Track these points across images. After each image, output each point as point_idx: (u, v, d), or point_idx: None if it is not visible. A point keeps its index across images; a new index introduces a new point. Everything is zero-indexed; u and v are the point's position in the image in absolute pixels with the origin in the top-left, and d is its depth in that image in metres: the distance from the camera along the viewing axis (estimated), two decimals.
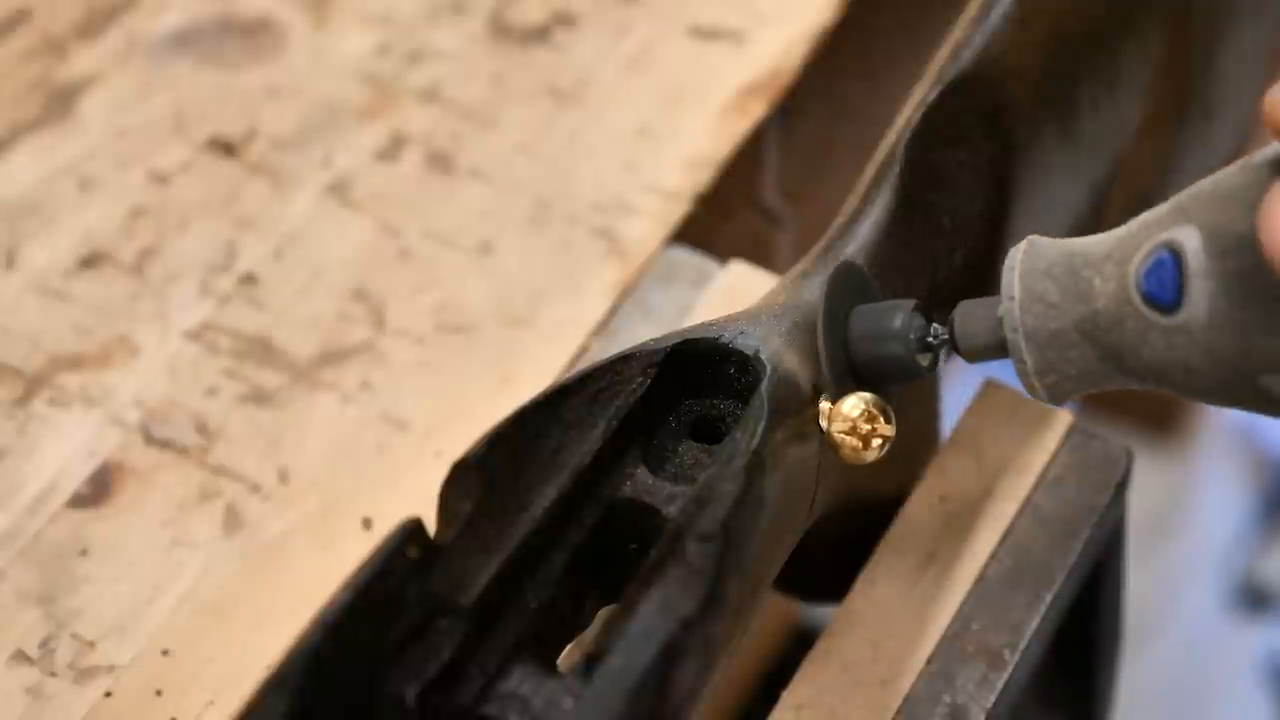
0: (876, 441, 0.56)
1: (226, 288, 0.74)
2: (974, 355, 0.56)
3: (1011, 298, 0.55)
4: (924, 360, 0.56)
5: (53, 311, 0.74)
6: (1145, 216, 0.54)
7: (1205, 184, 0.53)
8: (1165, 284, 0.52)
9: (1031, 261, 0.55)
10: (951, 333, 0.56)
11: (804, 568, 0.60)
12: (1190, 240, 0.52)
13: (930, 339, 0.56)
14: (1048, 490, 0.66)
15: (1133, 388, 0.55)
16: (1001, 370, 0.60)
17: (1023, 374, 0.55)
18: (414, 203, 0.77)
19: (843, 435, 0.56)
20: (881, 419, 0.56)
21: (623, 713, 0.48)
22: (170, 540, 0.67)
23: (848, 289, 0.57)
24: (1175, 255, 0.52)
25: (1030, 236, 0.56)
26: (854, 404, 0.56)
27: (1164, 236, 0.52)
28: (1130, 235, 0.54)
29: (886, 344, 0.56)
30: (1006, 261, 0.55)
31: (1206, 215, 0.52)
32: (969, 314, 0.56)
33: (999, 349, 0.56)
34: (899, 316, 0.56)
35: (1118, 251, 0.54)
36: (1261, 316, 0.51)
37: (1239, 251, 0.51)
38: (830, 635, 0.63)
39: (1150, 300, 0.52)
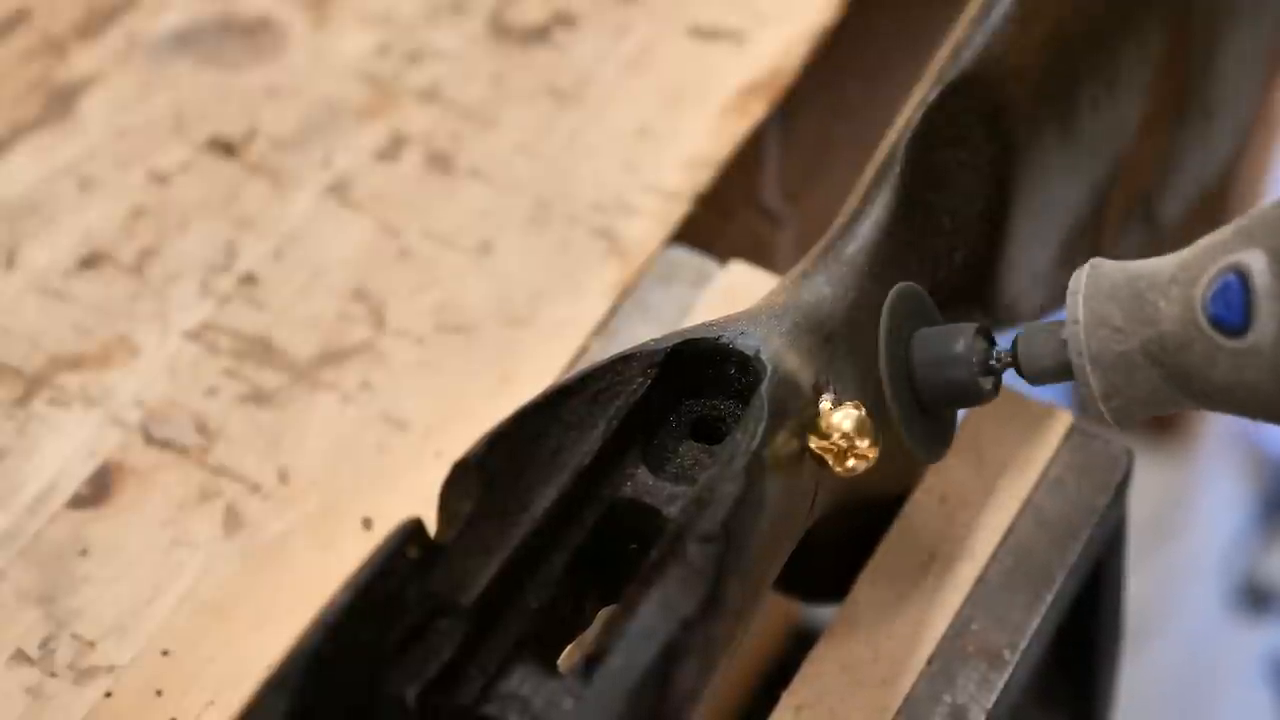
0: (850, 462, 0.56)
1: (226, 288, 0.74)
2: (1038, 379, 0.57)
3: (1076, 321, 0.55)
4: (986, 384, 0.57)
5: (53, 311, 0.74)
6: (1209, 239, 0.54)
7: (1270, 207, 0.53)
8: (1232, 306, 0.52)
9: (1095, 285, 0.55)
10: (1015, 356, 0.57)
11: (804, 568, 0.60)
12: (1257, 263, 0.52)
13: (993, 362, 0.57)
14: (1048, 490, 0.66)
15: (1200, 410, 0.55)
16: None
17: (1089, 398, 0.55)
18: (414, 203, 0.77)
19: (821, 444, 0.55)
20: (862, 440, 0.55)
21: (623, 713, 0.48)
22: (170, 540, 0.67)
23: (908, 311, 0.58)
24: (1242, 278, 0.52)
25: (1093, 259, 0.56)
26: (842, 416, 0.55)
27: (1230, 259, 0.53)
28: (1194, 258, 0.54)
29: (950, 368, 0.56)
30: (1070, 285, 0.55)
31: (1272, 238, 0.52)
32: (1033, 337, 0.56)
33: (1064, 372, 0.56)
34: (961, 340, 0.56)
35: (1182, 274, 0.54)
36: None
37: None
38: (830, 635, 0.63)
39: (1217, 323, 0.53)
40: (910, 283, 0.59)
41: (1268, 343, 0.52)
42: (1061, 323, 0.56)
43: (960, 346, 0.56)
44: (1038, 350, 0.56)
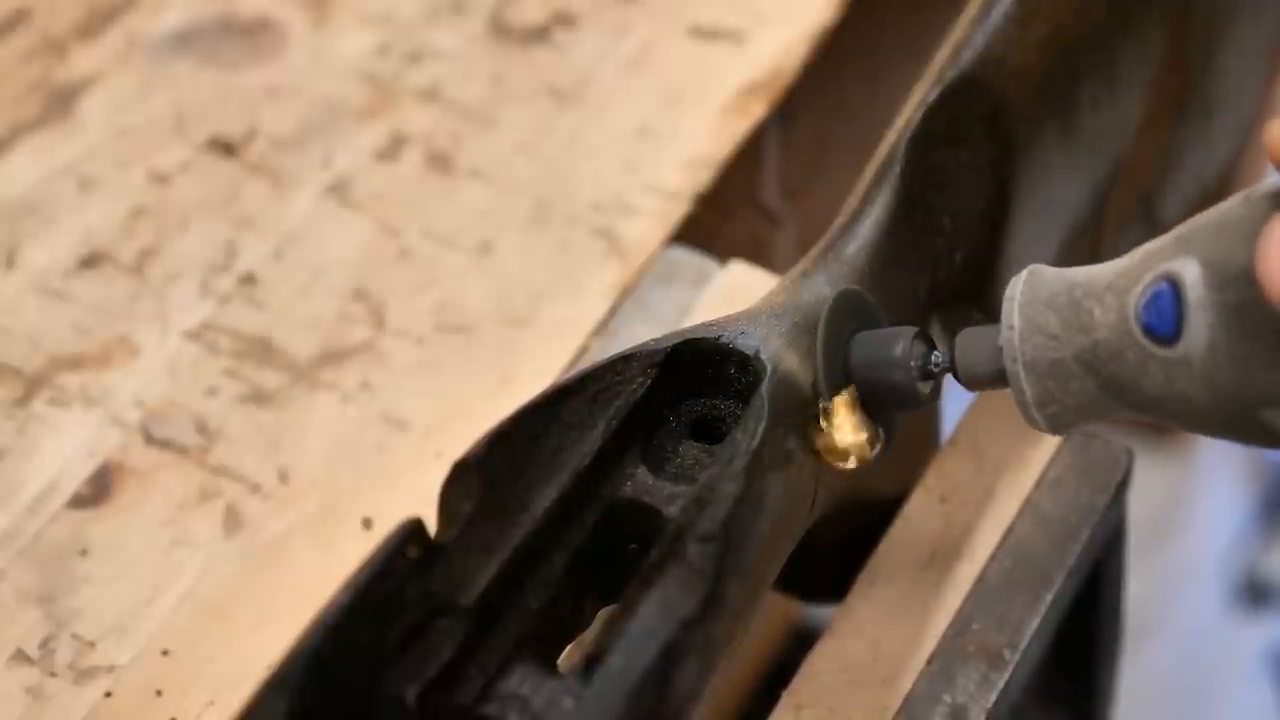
0: (851, 462, 0.55)
1: (226, 288, 0.74)
2: (974, 384, 0.56)
3: (1011, 327, 0.54)
4: (924, 388, 0.56)
5: (53, 311, 0.74)
6: (1147, 247, 0.54)
7: (1206, 216, 0.53)
8: (1164, 315, 0.52)
9: (1032, 291, 0.54)
10: (952, 361, 0.56)
11: (804, 568, 0.60)
12: (1190, 272, 0.51)
13: (931, 367, 0.56)
14: (1048, 490, 0.65)
15: (1135, 418, 0.55)
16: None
17: (1022, 404, 0.55)
18: (414, 203, 0.77)
19: (821, 441, 0.56)
20: (860, 434, 0.55)
21: (623, 713, 0.48)
22: (170, 540, 0.67)
23: (849, 314, 0.57)
24: (1175, 287, 0.51)
25: (1031, 266, 0.55)
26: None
27: (1164, 268, 0.52)
28: (1131, 266, 0.53)
29: (887, 371, 0.56)
30: (1007, 291, 0.55)
31: (1207, 247, 0.51)
32: (969, 343, 0.56)
33: (999, 379, 0.55)
34: (900, 344, 0.56)
35: (1118, 282, 0.53)
36: (1261, 349, 0.50)
37: (1238, 284, 0.50)
38: (830, 635, 0.63)
39: (1149, 332, 0.52)
40: (853, 286, 0.58)
41: (1198, 353, 0.51)
42: (998, 328, 0.55)
43: (898, 350, 0.56)
44: (974, 356, 0.56)
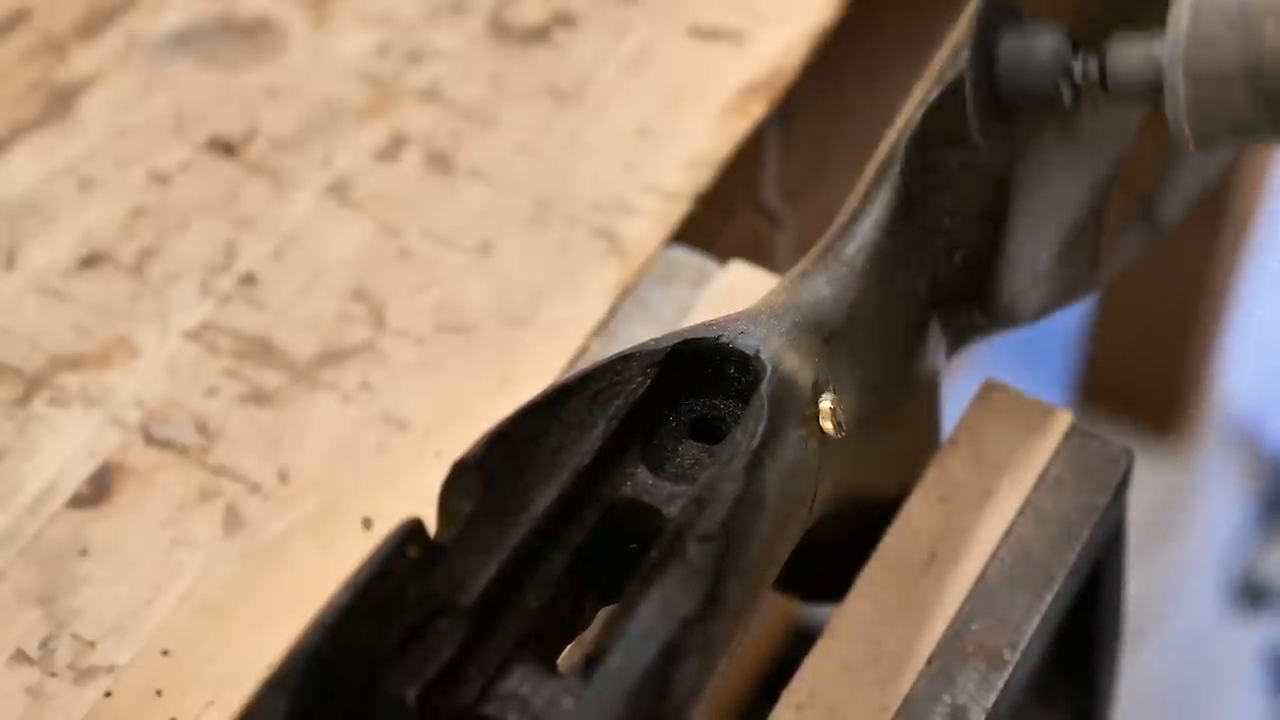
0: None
1: (226, 288, 0.74)
2: (1123, 92, 0.56)
3: (1179, 33, 0.54)
4: (1067, 91, 0.56)
5: (53, 311, 0.74)
6: None
7: None
8: None
9: (1207, 2, 0.54)
10: (1101, 68, 0.56)
11: (804, 568, 0.60)
12: None
13: (1078, 75, 0.56)
14: (1048, 490, 0.66)
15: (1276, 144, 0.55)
16: (1002, 370, 0.59)
17: (1174, 112, 0.54)
18: (414, 203, 0.77)
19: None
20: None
21: (623, 713, 0.48)
22: (170, 540, 0.67)
23: (999, 14, 0.57)
24: None
25: None
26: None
27: None
28: None
29: (1032, 75, 0.56)
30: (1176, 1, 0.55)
31: None
32: (1121, 50, 0.56)
33: (1149, 88, 0.55)
34: (1046, 44, 0.56)
35: None
36: None
37: None
38: (830, 635, 0.63)
39: None
40: None
41: None
42: (1153, 36, 0.55)
43: (1045, 52, 0.56)
44: (1126, 64, 0.56)
